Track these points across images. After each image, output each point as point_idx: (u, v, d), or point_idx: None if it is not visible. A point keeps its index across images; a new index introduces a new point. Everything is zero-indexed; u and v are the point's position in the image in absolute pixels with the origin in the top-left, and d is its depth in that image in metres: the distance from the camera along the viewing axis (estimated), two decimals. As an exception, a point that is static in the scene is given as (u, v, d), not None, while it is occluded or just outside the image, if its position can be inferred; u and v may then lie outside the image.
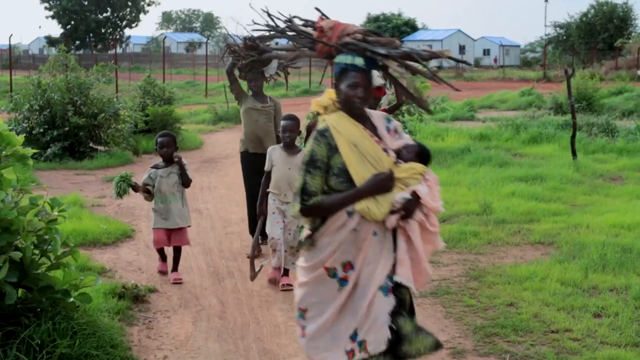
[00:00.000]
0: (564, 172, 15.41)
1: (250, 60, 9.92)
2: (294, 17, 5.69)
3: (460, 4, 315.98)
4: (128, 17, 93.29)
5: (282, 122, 8.84)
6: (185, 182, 9.10)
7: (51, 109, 18.49)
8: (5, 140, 6.26)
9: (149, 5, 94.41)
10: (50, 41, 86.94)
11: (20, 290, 6.25)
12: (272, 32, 5.81)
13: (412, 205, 5.09)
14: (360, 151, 5.08)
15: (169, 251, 9.35)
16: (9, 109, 19.90)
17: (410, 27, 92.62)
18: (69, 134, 18.53)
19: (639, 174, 15.97)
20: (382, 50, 5.14)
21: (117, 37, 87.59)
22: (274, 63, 10.26)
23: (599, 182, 15.01)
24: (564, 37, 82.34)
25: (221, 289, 8.83)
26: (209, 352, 6.92)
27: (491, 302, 8.12)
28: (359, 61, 5.14)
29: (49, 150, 18.03)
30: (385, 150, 5.17)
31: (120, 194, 9.07)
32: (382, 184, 5.05)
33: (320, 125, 5.25)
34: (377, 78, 10.16)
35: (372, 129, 5.23)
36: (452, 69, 64.42)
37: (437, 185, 5.27)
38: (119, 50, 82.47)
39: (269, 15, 5.76)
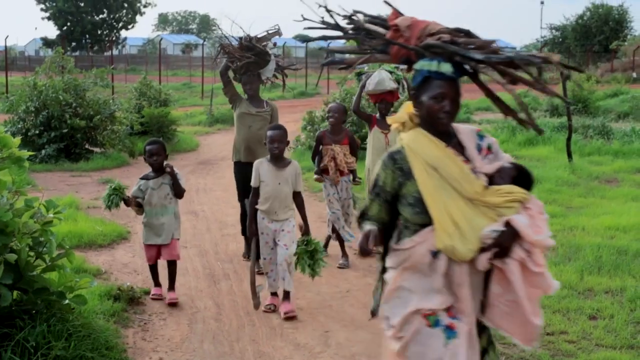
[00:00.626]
0: (560, 174, 15.43)
1: (246, 62, 9.57)
2: (357, 12, 4.72)
3: (457, 6, 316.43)
4: (124, 18, 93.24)
5: (269, 132, 8.04)
6: (178, 192, 8.41)
7: (48, 110, 18.45)
8: (1, 142, 6.25)
9: (145, 6, 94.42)
10: (47, 42, 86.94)
11: (15, 292, 6.23)
12: (336, 32, 4.76)
13: (508, 239, 4.10)
14: (441, 175, 4.20)
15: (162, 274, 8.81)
16: (4, 110, 19.90)
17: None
18: (65, 136, 18.50)
19: (634, 176, 15.99)
20: (478, 56, 4.23)
21: (114, 38, 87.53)
22: (271, 65, 9.84)
23: (595, 184, 15.02)
24: (560, 40, 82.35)
25: (217, 291, 8.82)
26: (204, 354, 6.91)
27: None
28: (447, 68, 4.22)
29: (44, 152, 18.02)
30: (474, 172, 4.26)
31: (110, 207, 8.52)
32: None
33: (395, 146, 4.45)
34: (389, 81, 10.02)
35: (459, 148, 4.33)
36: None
37: (542, 215, 4.26)
38: (115, 51, 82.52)
39: (328, 11, 4.71)
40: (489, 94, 4.49)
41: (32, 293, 6.25)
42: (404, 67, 4.53)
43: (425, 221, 4.21)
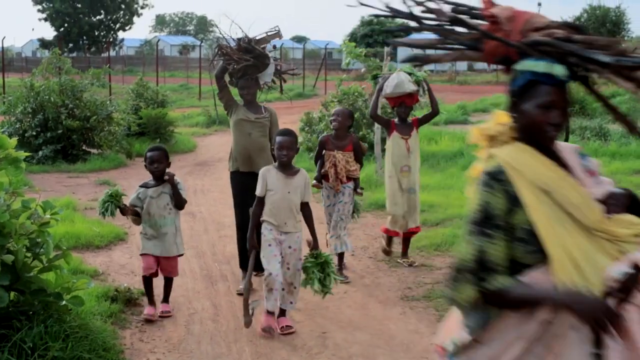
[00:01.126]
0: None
1: (244, 65, 8.91)
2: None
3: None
4: (121, 19, 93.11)
5: (278, 138, 7.49)
6: (179, 203, 7.91)
7: (44, 111, 18.45)
8: (-3, 143, 6.24)
9: (142, 8, 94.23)
10: (44, 44, 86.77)
11: (12, 293, 6.23)
12: (420, 23, 3.82)
13: (634, 282, 3.17)
14: (555, 200, 3.30)
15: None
16: (1, 111, 19.89)
17: (403, 30, 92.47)
18: (61, 137, 18.49)
19: (631, 177, 15.99)
20: (605, 58, 3.37)
21: (111, 39, 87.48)
22: (270, 69, 9.14)
23: (592, 186, 15.01)
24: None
25: (214, 292, 8.82)
26: (201, 355, 6.91)
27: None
28: (560, 70, 3.36)
29: (40, 153, 18.00)
30: None
31: (104, 214, 8.01)
32: (589, 312, 3.05)
33: (488, 165, 3.46)
34: (408, 83, 9.66)
35: (564, 168, 3.47)
36: (446, 73, 64.47)
37: None
38: (112, 53, 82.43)
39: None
40: (602, 99, 3.81)
41: (29, 294, 6.24)
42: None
43: (537, 261, 3.25)
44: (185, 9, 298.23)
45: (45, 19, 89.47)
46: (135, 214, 7.94)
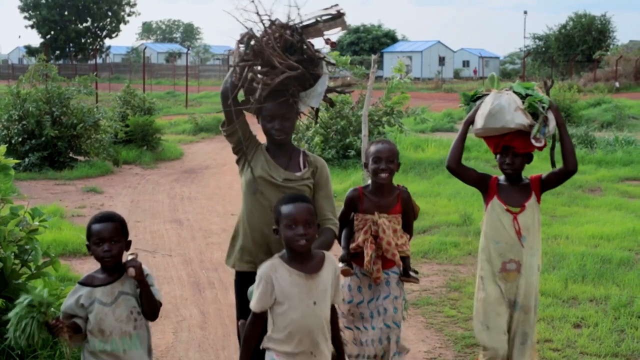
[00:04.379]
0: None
1: (287, 76, 4.95)
2: None
3: (440, 15, 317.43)
4: (108, 27, 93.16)
5: (284, 208, 4.50)
6: (150, 309, 4.75)
7: (28, 119, 18.41)
8: (-14, 150, 6.24)
9: (129, 15, 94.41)
10: (30, 51, 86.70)
11: (0, 300, 6.22)
12: None
13: None
14: None
15: None
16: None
17: (390, 38, 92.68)
18: (48, 144, 18.45)
19: (617, 185, 16.07)
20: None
21: (97, 47, 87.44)
22: (322, 85, 5.16)
23: (578, 193, 15.09)
24: (543, 49, 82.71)
25: (202, 299, 8.81)
26: (190, 363, 6.92)
27: (472, 312, 8.15)
28: None
29: (27, 160, 17.96)
30: None
31: (18, 341, 4.60)
32: None
33: None
34: (515, 112, 5.47)
35: None
36: (432, 81, 64.60)
37: None
38: (99, 60, 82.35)
39: None
40: None
41: (18, 301, 6.23)
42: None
43: None
44: (172, 16, 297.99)
45: (32, 26, 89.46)
46: (75, 329, 4.66)
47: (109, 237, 4.69)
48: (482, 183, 5.97)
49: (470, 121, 5.76)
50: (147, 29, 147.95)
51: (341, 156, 18.35)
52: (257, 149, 5.22)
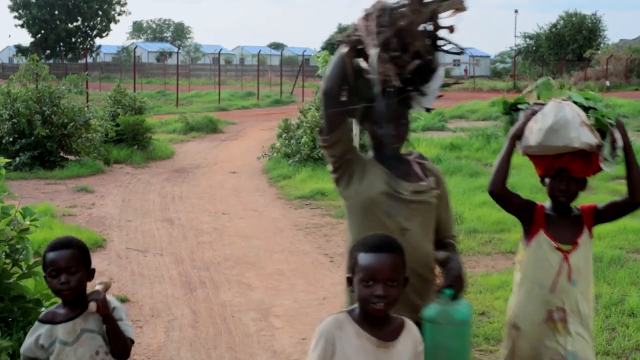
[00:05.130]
0: (535, 182, 15.33)
1: (416, 65, 3.99)
2: None
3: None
4: (99, 26, 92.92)
5: (364, 261, 3.50)
6: (119, 348, 4.08)
7: (18, 118, 18.37)
8: (-24, 149, 6.24)
9: (119, 14, 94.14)
10: (20, 50, 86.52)
11: (-9, 300, 6.21)
12: None
13: None
14: None
15: None
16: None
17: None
18: (38, 144, 18.42)
19: (608, 183, 16.08)
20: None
21: (88, 46, 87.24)
22: (437, 80, 4.17)
23: (569, 192, 15.11)
24: (534, 48, 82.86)
25: (193, 298, 8.81)
26: (181, 362, 6.92)
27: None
28: None
29: (18, 160, 17.92)
30: None
31: None
32: None
33: None
34: (580, 128, 4.37)
35: None
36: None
37: None
38: (89, 59, 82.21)
39: None
40: None
41: (9, 300, 6.22)
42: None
43: None
44: (163, 15, 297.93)
45: (22, 26, 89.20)
46: None
47: (66, 266, 3.99)
48: (525, 212, 4.72)
49: (518, 135, 4.53)
50: (138, 28, 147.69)
51: (332, 155, 18.32)
52: (364, 161, 4.23)
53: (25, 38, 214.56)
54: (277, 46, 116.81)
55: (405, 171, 4.24)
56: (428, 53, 3.98)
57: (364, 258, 3.45)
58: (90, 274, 4.11)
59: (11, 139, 18.44)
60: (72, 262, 3.98)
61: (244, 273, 9.76)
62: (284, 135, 19.51)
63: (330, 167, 4.30)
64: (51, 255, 4.01)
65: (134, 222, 12.77)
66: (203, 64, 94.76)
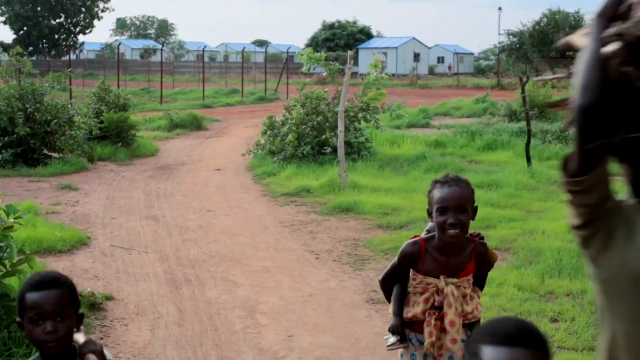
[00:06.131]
0: (520, 178, 15.57)
1: None
2: None
3: (415, 12, 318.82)
4: (82, 23, 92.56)
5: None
6: None
7: (0, 116, 18.28)
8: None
9: (103, 11, 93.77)
10: (3, 47, 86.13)
11: (-25, 299, 6.17)
12: None
13: None
14: None
15: None
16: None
17: (365, 34, 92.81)
18: (21, 141, 18.32)
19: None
20: None
21: (71, 43, 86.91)
22: None
23: (554, 189, 15.14)
24: (517, 46, 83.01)
25: (179, 296, 8.77)
26: (167, 360, 6.89)
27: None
28: None
29: (0, 157, 17.83)
30: None
31: None
32: None
33: None
34: None
35: None
36: (407, 77, 64.75)
37: None
38: (72, 56, 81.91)
39: None
40: None
41: (-7, 299, 6.19)
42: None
43: None
44: (147, 12, 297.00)
45: (5, 22, 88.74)
46: None
47: (53, 311, 3.08)
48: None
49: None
50: (122, 25, 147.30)
51: (317, 152, 18.32)
52: (629, 213, 2.53)
53: (7, 35, 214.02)
54: (261, 43, 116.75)
55: None
56: None
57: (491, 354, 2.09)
58: (79, 320, 3.26)
59: (-6, 137, 18.31)
60: (61, 305, 3.11)
61: (229, 270, 9.73)
62: (269, 133, 19.49)
63: (575, 220, 2.61)
64: (34, 296, 3.09)
65: (118, 220, 12.72)
66: (187, 62, 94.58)
